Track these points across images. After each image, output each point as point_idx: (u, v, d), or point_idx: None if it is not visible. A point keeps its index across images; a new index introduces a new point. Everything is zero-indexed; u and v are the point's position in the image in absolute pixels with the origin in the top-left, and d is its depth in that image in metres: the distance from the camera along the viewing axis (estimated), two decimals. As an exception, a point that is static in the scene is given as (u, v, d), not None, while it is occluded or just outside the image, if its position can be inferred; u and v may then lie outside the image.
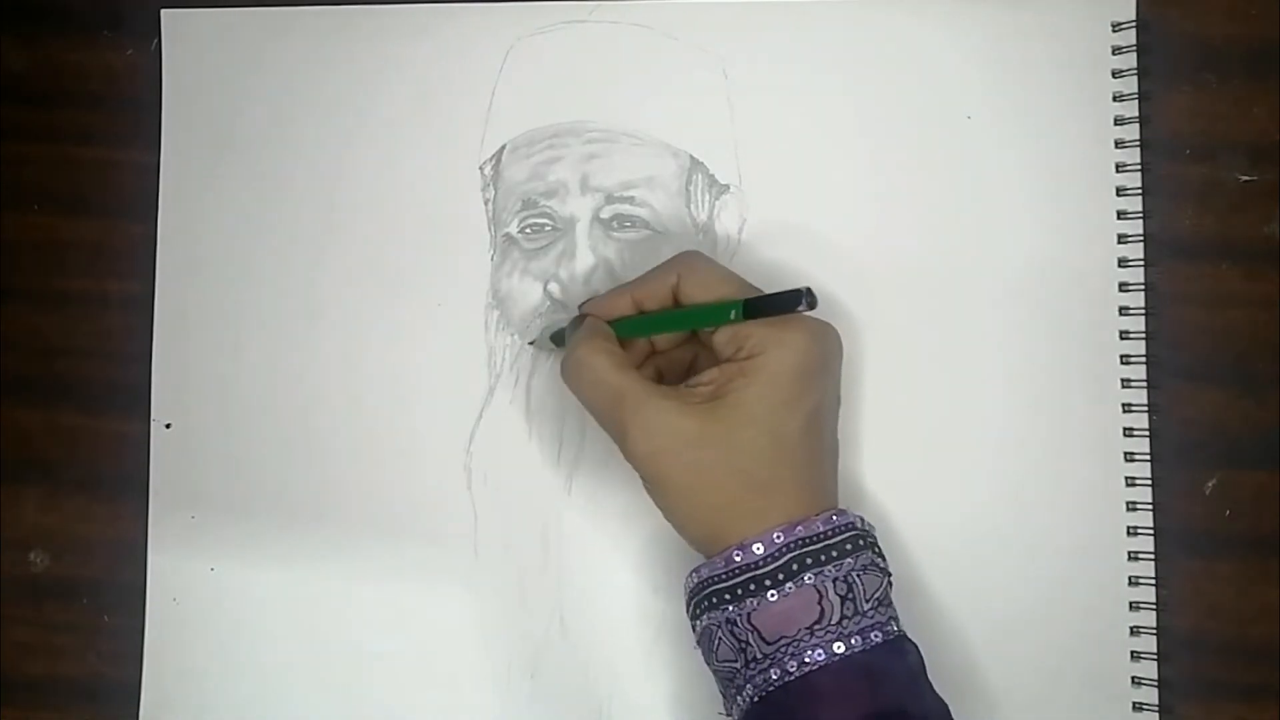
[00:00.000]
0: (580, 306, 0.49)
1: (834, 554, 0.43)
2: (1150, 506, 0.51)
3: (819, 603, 0.42)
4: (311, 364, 0.54)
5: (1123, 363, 0.51)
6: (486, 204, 0.54)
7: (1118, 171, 0.52)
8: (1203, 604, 0.51)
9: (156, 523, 0.54)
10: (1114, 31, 0.52)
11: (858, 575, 0.43)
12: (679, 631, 0.52)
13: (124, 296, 0.55)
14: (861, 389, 0.52)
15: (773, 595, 0.42)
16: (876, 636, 0.42)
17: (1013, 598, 0.51)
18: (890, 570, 0.45)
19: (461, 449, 0.53)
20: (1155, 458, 0.51)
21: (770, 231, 0.53)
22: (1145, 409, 0.51)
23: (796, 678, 0.42)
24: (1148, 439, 0.51)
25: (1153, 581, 0.51)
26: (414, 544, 0.53)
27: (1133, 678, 0.50)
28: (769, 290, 0.45)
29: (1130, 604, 0.51)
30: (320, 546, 0.53)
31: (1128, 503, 0.51)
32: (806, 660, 0.42)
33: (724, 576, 0.43)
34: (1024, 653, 0.51)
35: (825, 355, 0.45)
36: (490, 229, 0.54)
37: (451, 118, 0.54)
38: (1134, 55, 0.52)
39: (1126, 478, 0.51)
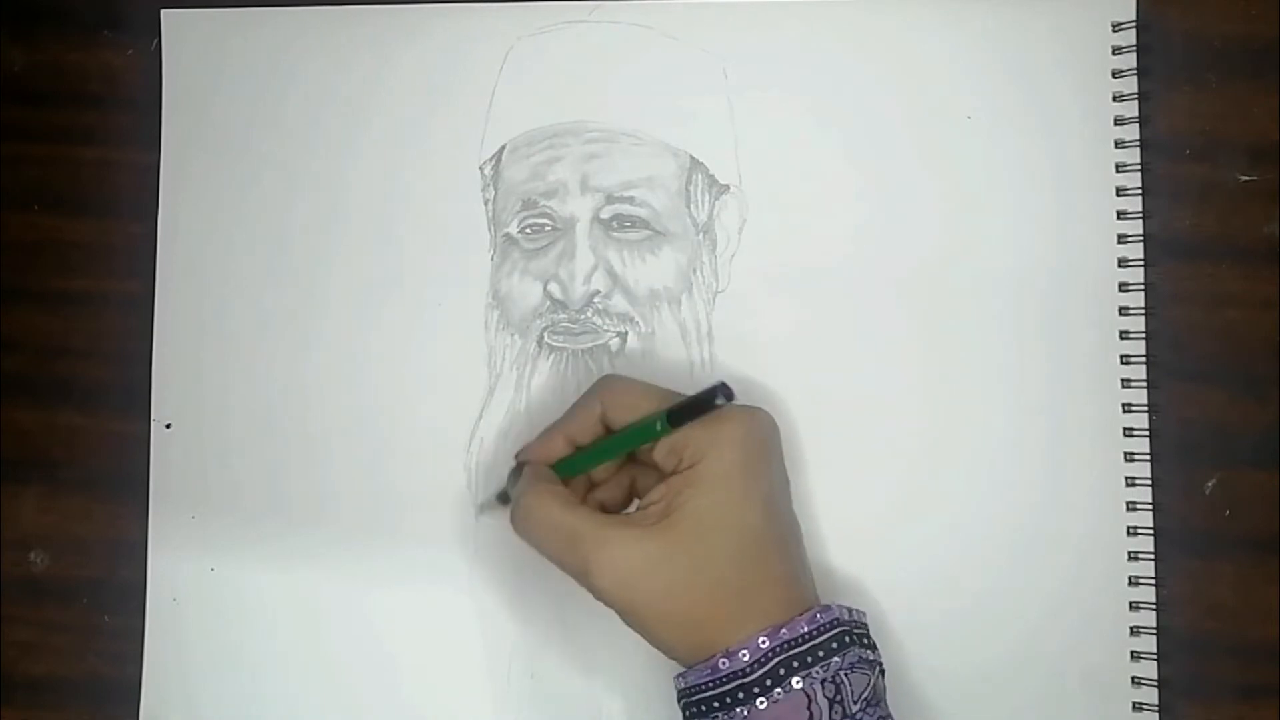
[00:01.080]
0: (516, 455, 0.49)
1: (820, 654, 0.43)
2: (1150, 506, 0.51)
3: (808, 707, 0.42)
4: (311, 364, 0.54)
5: (1122, 363, 0.51)
6: (486, 204, 0.54)
7: (1118, 171, 0.52)
8: (1202, 604, 0.51)
9: (156, 523, 0.54)
10: (1114, 31, 0.52)
11: (845, 675, 0.43)
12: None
13: (124, 296, 0.55)
14: (861, 387, 0.52)
15: (762, 703, 0.42)
16: None
17: (1013, 597, 0.51)
18: (880, 660, 0.45)
19: (461, 449, 0.53)
20: (1155, 458, 0.51)
21: (770, 231, 0.53)
22: (1145, 409, 0.51)
23: None
24: (1147, 439, 0.51)
25: (1152, 581, 0.51)
26: (414, 543, 0.53)
27: (1133, 678, 0.50)
28: (689, 392, 0.45)
29: (1130, 604, 0.51)
30: (320, 546, 0.53)
31: (1128, 503, 0.51)
32: None
33: (710, 685, 0.43)
34: (1024, 652, 0.51)
35: (764, 441, 0.45)
36: (490, 229, 0.54)
37: (451, 118, 0.54)
38: (1134, 55, 0.52)
39: (1126, 478, 0.51)
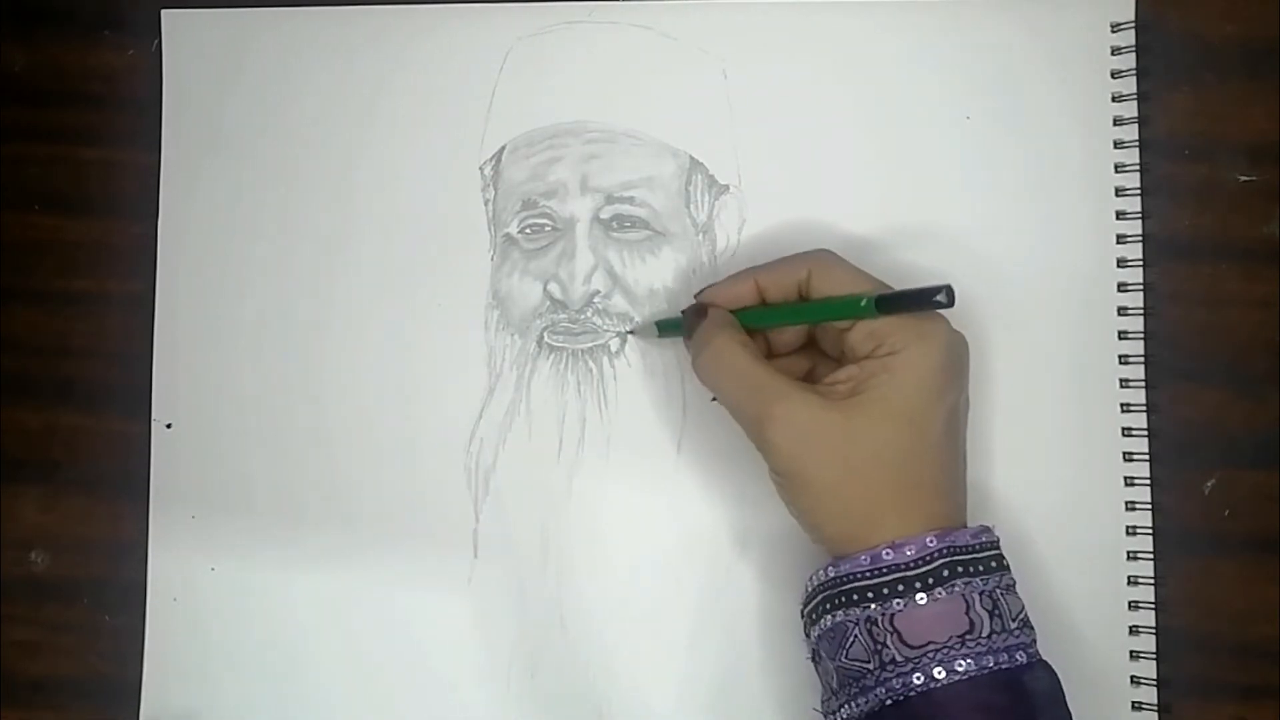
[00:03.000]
0: (698, 295, 0.49)
1: (980, 568, 0.43)
2: (1149, 506, 0.51)
3: (967, 613, 0.42)
4: (312, 364, 0.54)
5: (1121, 363, 0.51)
6: (486, 204, 0.54)
7: (1116, 172, 0.52)
8: (1201, 604, 0.51)
9: (156, 523, 0.54)
10: (1113, 32, 0.52)
11: (1001, 593, 0.43)
12: (678, 631, 0.52)
13: (124, 296, 0.55)
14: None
15: (922, 598, 0.42)
16: (1021, 657, 0.42)
17: (1012, 597, 0.51)
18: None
19: (461, 449, 0.53)
20: (1154, 457, 0.51)
21: (769, 232, 0.53)
22: (1144, 409, 0.51)
23: (941, 686, 0.41)
24: (1146, 439, 0.51)
25: (1151, 581, 0.51)
26: (414, 544, 0.53)
27: (1131, 677, 0.50)
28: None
29: (1129, 604, 0.51)
30: (320, 546, 0.53)
31: (1127, 502, 0.51)
32: (957, 669, 0.41)
33: (869, 574, 0.42)
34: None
35: (962, 358, 0.45)
36: (490, 229, 0.54)
37: (451, 118, 0.54)
38: (1133, 55, 0.52)
39: (1125, 477, 0.51)
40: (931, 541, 0.42)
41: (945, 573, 0.42)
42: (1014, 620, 0.43)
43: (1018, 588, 0.44)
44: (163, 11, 0.55)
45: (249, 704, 0.53)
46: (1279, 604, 0.51)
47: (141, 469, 0.54)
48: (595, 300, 0.53)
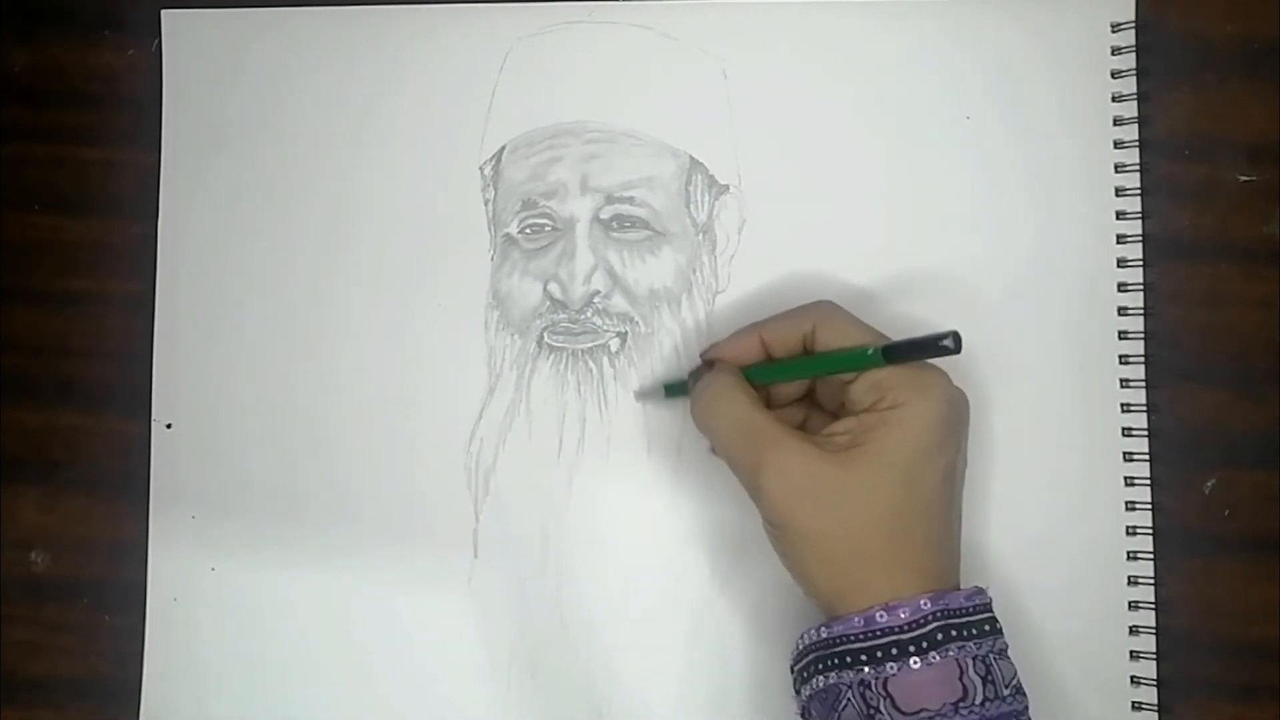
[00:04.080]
0: (703, 353, 0.49)
1: (974, 632, 0.42)
2: (1149, 506, 0.51)
3: (960, 679, 0.41)
4: (311, 364, 0.54)
5: (1121, 363, 0.51)
6: (486, 204, 0.54)
7: (1117, 172, 0.52)
8: (1202, 604, 0.51)
9: (156, 523, 0.54)
10: (1113, 32, 0.52)
11: (994, 658, 0.42)
12: (678, 631, 0.52)
13: (124, 296, 0.55)
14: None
15: (915, 663, 0.41)
16: None
17: (1012, 597, 0.51)
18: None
19: (461, 449, 0.53)
20: (1154, 457, 0.51)
21: (769, 232, 0.53)
22: (1144, 409, 0.51)
23: None
24: (1146, 439, 0.51)
25: (1151, 581, 0.51)
26: (414, 544, 0.53)
27: (1131, 677, 0.50)
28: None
29: (1129, 604, 0.51)
30: (320, 546, 0.53)
31: (1126, 502, 0.51)
32: None
33: (862, 636, 0.42)
34: (1023, 652, 0.50)
35: (962, 414, 0.45)
36: (490, 229, 0.54)
37: (451, 118, 0.54)
38: (1133, 55, 0.52)
39: (1125, 477, 0.51)
40: (925, 604, 0.42)
41: (939, 636, 0.42)
42: (1006, 687, 0.42)
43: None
44: (163, 11, 0.55)
45: (249, 704, 0.53)
46: (1279, 604, 0.51)
47: (141, 469, 0.54)
48: (595, 300, 0.53)
